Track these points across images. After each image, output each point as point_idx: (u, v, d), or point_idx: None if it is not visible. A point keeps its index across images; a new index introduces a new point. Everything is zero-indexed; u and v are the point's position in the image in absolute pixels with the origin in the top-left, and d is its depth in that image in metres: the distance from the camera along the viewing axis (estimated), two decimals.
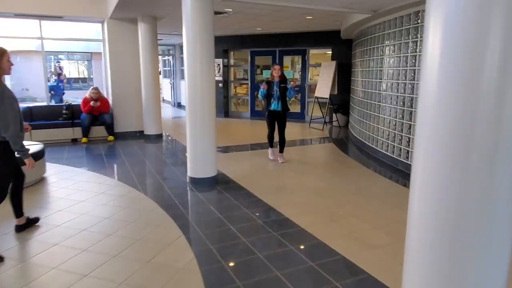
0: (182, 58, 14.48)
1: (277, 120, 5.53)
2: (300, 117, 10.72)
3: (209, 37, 4.25)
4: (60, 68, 12.31)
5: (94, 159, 6.12)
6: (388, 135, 5.82)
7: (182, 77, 14.71)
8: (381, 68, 6.14)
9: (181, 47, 14.64)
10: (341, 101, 9.36)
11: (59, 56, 16.06)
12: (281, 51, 10.66)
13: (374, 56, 6.47)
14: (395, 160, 5.55)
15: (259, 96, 5.52)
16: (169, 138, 8.10)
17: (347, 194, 4.34)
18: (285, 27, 9.09)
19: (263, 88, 5.38)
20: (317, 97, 9.39)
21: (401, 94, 5.43)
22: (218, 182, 4.70)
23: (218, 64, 11.33)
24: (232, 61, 11.78)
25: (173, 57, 15.02)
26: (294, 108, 11.38)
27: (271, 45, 10.56)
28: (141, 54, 7.32)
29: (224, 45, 11.24)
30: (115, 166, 5.81)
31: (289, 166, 5.57)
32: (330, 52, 10.00)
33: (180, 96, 15.19)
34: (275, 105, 5.41)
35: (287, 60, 11.24)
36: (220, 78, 11.42)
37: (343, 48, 9.44)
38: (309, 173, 5.31)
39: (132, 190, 4.40)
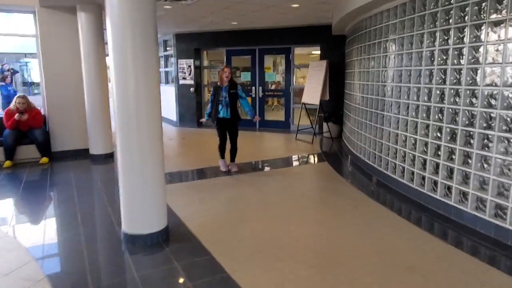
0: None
1: (227, 128, 5.23)
2: (284, 126, 9.55)
3: (149, 30, 2.99)
4: (3, 71, 10.80)
5: (7, 192, 4.75)
6: (396, 153, 4.69)
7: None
8: (385, 69, 5.02)
9: None
10: (333, 108, 8.24)
11: None
12: (261, 50, 9.49)
13: (375, 53, 5.35)
14: (408, 189, 4.41)
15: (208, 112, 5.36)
16: None
17: (369, 258, 2.88)
18: (265, 21, 7.93)
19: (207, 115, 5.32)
20: (304, 104, 8.23)
21: (414, 102, 4.31)
22: (168, 239, 3.21)
23: (189, 66, 10.09)
24: (205, 62, 10.54)
25: None
26: (277, 116, 10.21)
27: (250, 43, 9.39)
28: (82, 52, 6.00)
29: (195, 43, 10.01)
30: (26, 206, 4.32)
31: (274, 204, 4.20)
32: (318, 52, 8.90)
33: None
34: (224, 112, 5.10)
35: (268, 60, 10.11)
36: (192, 82, 10.16)
37: (335, 45, 8.34)
38: (303, 217, 3.84)
39: (20, 257, 2.90)
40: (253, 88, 9.70)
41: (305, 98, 8.09)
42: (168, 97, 11.41)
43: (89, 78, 6.04)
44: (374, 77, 5.36)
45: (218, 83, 5.19)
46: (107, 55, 3.40)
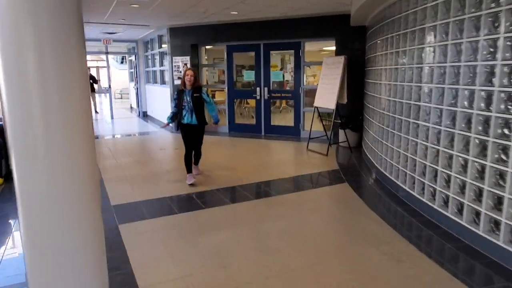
0: (146, 57, 12.30)
1: (192, 135, 5.05)
2: (293, 132, 8.53)
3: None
4: None
5: None
6: (435, 176, 3.64)
7: (148, 81, 12.53)
8: (420, 65, 3.98)
9: (144, 42, 12.47)
10: (350, 113, 7.19)
11: None
12: (267, 45, 8.49)
13: (406, 46, 4.31)
14: (465, 231, 3.36)
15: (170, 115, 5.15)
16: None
17: None
18: (271, 10, 6.93)
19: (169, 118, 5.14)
20: (317, 108, 7.20)
21: (465, 110, 3.26)
22: None
23: (185, 64, 9.15)
24: (203, 60, 9.59)
25: (135, 56, 12.84)
26: (286, 120, 9.19)
27: (253, 37, 8.40)
28: None
29: (192, 38, 9.07)
30: None
31: (279, 261, 3.03)
32: (331, 48, 7.86)
33: (146, 104, 12.99)
34: (187, 118, 4.91)
35: (275, 57, 9.12)
36: None
37: (352, 39, 7.30)
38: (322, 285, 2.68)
39: None
40: (258, 89, 8.71)
41: (318, 101, 7.05)
42: (163, 99, 10.52)
43: None
44: (406, 76, 4.32)
45: (181, 87, 4.96)
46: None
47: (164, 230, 3.62)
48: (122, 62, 21.48)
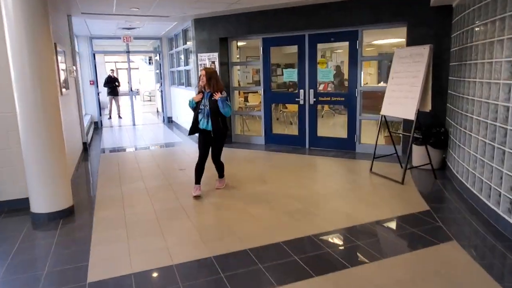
0: (170, 56, 10.86)
1: (210, 142, 4.46)
2: (346, 146, 6.73)
3: None
4: None
5: None
6: None
7: (173, 82, 11.10)
8: None
9: (168, 39, 11.03)
10: (430, 122, 5.32)
11: None
12: (313, 36, 6.74)
13: None
14: None
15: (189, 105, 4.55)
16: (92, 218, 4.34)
17: None
18: None
19: (193, 99, 4.48)
20: (384, 117, 5.38)
21: None
22: None
23: (213, 62, 7.57)
24: (234, 57, 7.95)
25: (159, 55, 11.45)
26: (334, 130, 7.36)
27: (296, 26, 6.68)
28: (9, 45, 3.63)
29: (221, 30, 7.47)
30: None
31: None
32: (394, 40, 6.00)
33: (172, 109, 11.58)
34: (203, 123, 4.38)
35: (323, 51, 7.32)
36: None
37: (433, 23, 5.43)
38: None
39: None
40: (301, 91, 6.98)
41: (389, 109, 5.21)
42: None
43: (24, 83, 3.64)
44: None
45: (200, 88, 4.45)
46: None
47: None
48: (150, 63, 20.39)
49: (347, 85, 6.74)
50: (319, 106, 7.19)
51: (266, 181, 5.08)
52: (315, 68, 6.81)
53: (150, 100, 20.69)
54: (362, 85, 6.51)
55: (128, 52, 10.83)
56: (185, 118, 9.70)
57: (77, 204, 4.25)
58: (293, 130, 8.85)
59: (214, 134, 4.33)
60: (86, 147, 7.45)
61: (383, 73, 11.34)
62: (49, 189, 3.82)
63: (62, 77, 5.50)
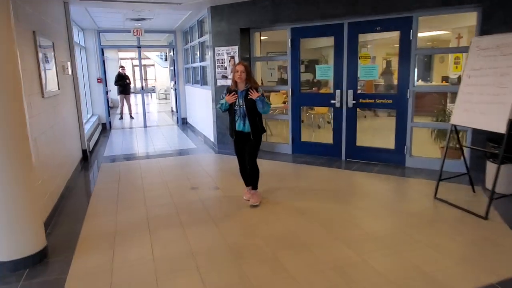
0: (185, 51, 9.81)
1: (245, 145, 4.05)
2: (392, 159, 5.53)
3: None
4: None
5: None
6: None
7: (187, 81, 10.05)
8: None
9: (183, 33, 9.99)
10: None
11: None
12: (354, 25, 5.55)
13: None
14: None
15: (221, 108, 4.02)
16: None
17: None
18: None
19: (225, 99, 3.95)
20: (455, 126, 4.14)
21: None
22: None
23: (232, 57, 6.46)
24: (257, 51, 6.81)
25: (173, 49, 10.40)
26: (379, 139, 6.11)
27: (333, 13, 5.49)
28: None
29: (242, 19, 6.33)
30: None
31: None
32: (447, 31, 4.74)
33: (186, 109, 10.55)
34: (239, 125, 4.00)
35: (366, 44, 6.12)
36: None
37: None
38: None
39: None
40: (337, 92, 5.80)
41: (464, 117, 3.97)
42: (204, 104, 7.96)
43: None
44: None
45: (232, 86, 3.95)
46: None
47: None
48: (166, 59, 19.45)
49: (394, 83, 5.52)
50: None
51: (303, 211, 3.93)
52: (356, 64, 5.60)
53: (166, 98, 19.78)
54: (414, 84, 5.28)
55: (139, 47, 9.83)
56: (200, 121, 8.64)
57: (53, 243, 3.22)
58: (323, 136, 7.70)
59: (253, 136, 3.94)
60: (86, 155, 6.46)
61: (419, 70, 10.01)
62: (10, 230, 2.78)
63: (50, 75, 4.48)
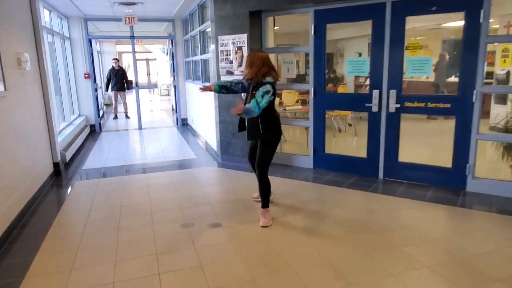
0: (185, 43, 8.54)
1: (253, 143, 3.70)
2: (450, 180, 4.21)
3: None
4: None
5: None
6: None
7: (188, 76, 8.79)
8: None
9: (183, 21, 8.71)
10: None
11: None
12: (399, 4, 4.21)
13: None
14: None
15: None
16: None
17: None
18: None
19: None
20: None
21: None
22: None
23: (240, 48, 5.16)
24: (269, 40, 5.48)
25: (172, 41, 9.12)
26: (433, 154, 4.72)
27: None
28: None
29: (251, 1, 5.03)
30: None
31: None
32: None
33: (187, 109, 9.31)
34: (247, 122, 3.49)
35: (414, 30, 4.86)
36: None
37: None
38: None
39: None
40: (374, 93, 4.49)
41: None
42: (206, 104, 6.72)
43: None
44: None
45: (245, 78, 3.51)
46: None
47: None
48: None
49: (458, 83, 4.19)
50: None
51: (342, 275, 2.64)
52: (401, 57, 4.28)
53: (168, 95, 18.53)
54: (483, 85, 3.94)
55: (132, 37, 8.56)
56: (203, 124, 7.38)
57: None
58: (346, 142, 6.45)
59: (250, 138, 3.49)
60: (58, 169, 5.23)
61: (449, 65, 8.63)
62: None
63: None
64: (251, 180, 4.54)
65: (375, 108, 4.53)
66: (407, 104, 4.37)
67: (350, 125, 8.02)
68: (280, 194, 4.20)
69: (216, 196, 4.35)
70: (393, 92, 4.39)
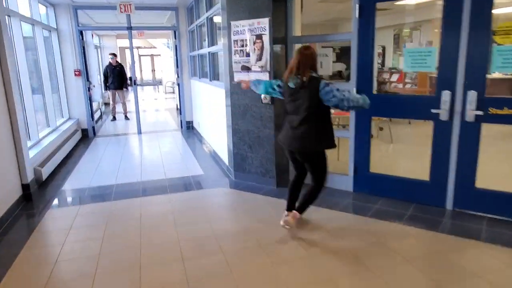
0: (190, 34, 7.40)
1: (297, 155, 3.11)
2: None
3: None
4: None
5: None
6: None
7: (193, 74, 7.66)
8: None
9: (187, 9, 7.57)
10: None
11: None
12: None
13: None
14: None
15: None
16: None
17: None
18: None
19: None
20: None
21: None
22: None
23: (258, 36, 3.99)
24: (296, 27, 4.28)
25: (175, 32, 7.97)
26: (493, 177, 3.50)
27: None
28: None
29: None
30: None
31: None
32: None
33: (192, 111, 8.18)
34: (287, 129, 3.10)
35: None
36: (264, 73, 4.01)
37: None
38: None
39: None
40: (443, 94, 3.29)
41: None
42: (216, 106, 5.59)
43: None
44: None
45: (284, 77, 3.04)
46: None
47: None
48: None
49: None
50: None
51: None
52: (486, 45, 3.08)
53: (173, 92, 17.41)
54: None
55: (129, 28, 7.43)
56: (211, 131, 6.25)
57: None
58: (386, 157, 5.30)
59: (302, 147, 2.98)
60: (29, 192, 4.13)
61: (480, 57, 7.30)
62: None
63: None
64: (276, 209, 3.39)
65: (444, 116, 3.34)
66: (492, 110, 3.17)
67: (381, 129, 6.83)
68: (312, 228, 3.04)
69: (230, 238, 3.19)
70: (472, 94, 3.19)
